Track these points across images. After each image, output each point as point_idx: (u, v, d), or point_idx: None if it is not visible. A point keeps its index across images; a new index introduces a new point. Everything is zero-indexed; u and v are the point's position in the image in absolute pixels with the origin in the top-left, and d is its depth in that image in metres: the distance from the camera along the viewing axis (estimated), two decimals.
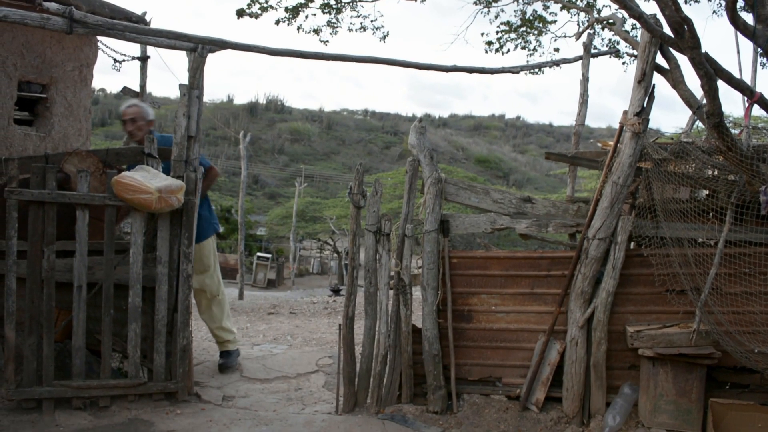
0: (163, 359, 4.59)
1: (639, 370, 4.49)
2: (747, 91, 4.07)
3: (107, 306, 4.42)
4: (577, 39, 7.42)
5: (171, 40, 4.66)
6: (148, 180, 4.34)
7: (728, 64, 3.92)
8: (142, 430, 4.14)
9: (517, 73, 6.77)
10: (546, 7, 9.48)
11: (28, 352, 4.23)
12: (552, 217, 4.80)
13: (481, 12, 9.68)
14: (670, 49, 4.20)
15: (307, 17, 9.59)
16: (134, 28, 4.60)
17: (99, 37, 6.14)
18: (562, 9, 9.35)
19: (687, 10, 3.91)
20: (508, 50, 9.93)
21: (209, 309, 5.59)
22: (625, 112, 4.43)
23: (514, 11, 9.70)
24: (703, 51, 3.50)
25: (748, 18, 3.85)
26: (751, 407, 4.09)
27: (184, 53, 4.78)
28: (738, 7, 3.67)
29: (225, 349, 5.71)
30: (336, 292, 20.19)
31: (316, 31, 9.75)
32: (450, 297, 4.76)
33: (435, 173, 4.76)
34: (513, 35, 9.79)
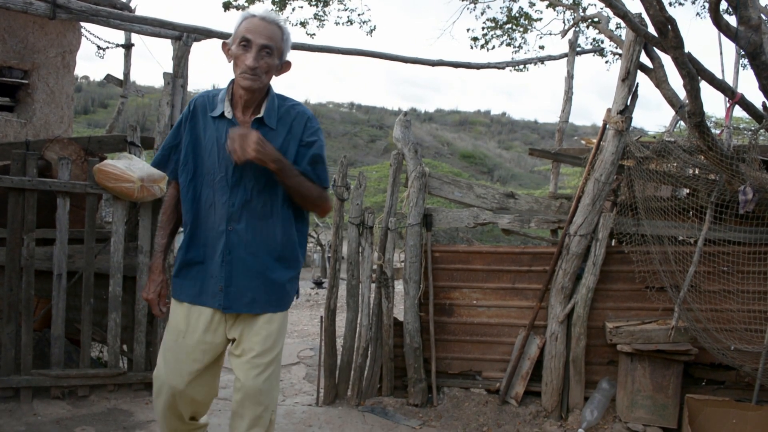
0: (143, 349, 4.56)
1: (617, 365, 4.54)
2: (728, 91, 4.12)
3: (87, 295, 4.38)
4: (563, 36, 7.46)
5: (156, 27, 4.63)
6: (130, 168, 4.31)
7: (711, 64, 3.96)
8: (121, 419, 4.11)
9: (503, 69, 6.79)
10: (532, 5, 9.53)
11: (6, 341, 4.19)
12: (534, 213, 4.83)
13: (468, 8, 9.70)
14: (654, 48, 4.24)
15: (294, 10, 9.57)
16: (118, 14, 4.57)
17: (83, 24, 6.08)
18: (548, 6, 9.40)
19: (671, 10, 3.94)
20: (494, 47, 9.98)
21: None
22: (609, 110, 4.47)
23: (500, 8, 9.73)
24: (686, 51, 3.54)
25: (731, 20, 3.89)
26: (726, 403, 4.15)
27: (168, 41, 4.75)
28: (721, 9, 3.71)
29: None
30: (318, 284, 20.18)
31: (303, 24, 9.73)
32: (432, 291, 4.78)
33: (419, 167, 4.77)
34: (498, 32, 9.83)
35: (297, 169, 2.56)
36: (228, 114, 2.55)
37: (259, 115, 2.54)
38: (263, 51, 2.47)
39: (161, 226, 2.78)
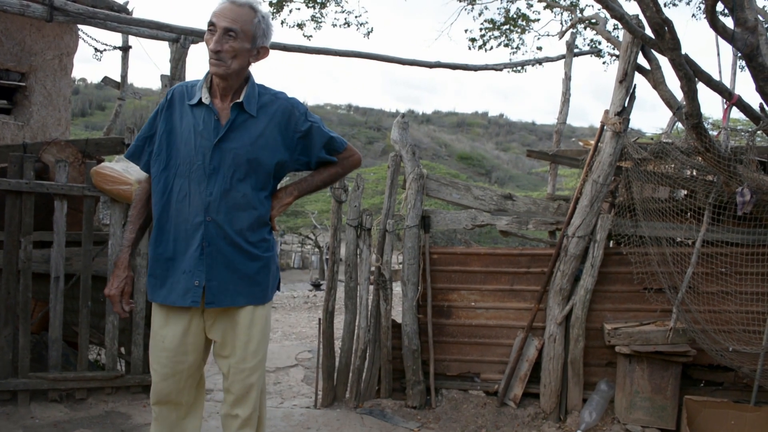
0: (141, 352, 4.55)
1: (616, 367, 4.54)
2: (726, 93, 4.12)
3: (85, 298, 4.37)
4: (561, 38, 7.47)
5: (153, 30, 4.63)
6: (127, 171, 4.30)
7: (708, 66, 3.97)
8: (119, 422, 4.10)
9: (500, 70, 6.79)
10: (529, 6, 9.54)
11: (3, 344, 4.18)
12: (532, 215, 4.83)
13: (465, 9, 9.71)
14: (651, 50, 4.24)
15: (291, 11, 9.57)
16: (116, 17, 4.56)
17: (80, 26, 6.07)
18: (545, 8, 9.41)
19: (667, 12, 3.95)
20: (491, 48, 9.99)
21: None
22: (606, 112, 4.47)
23: (498, 9, 9.74)
24: (683, 53, 3.54)
25: (728, 21, 3.89)
26: (724, 405, 4.15)
27: (166, 44, 4.75)
28: (717, 10, 3.71)
29: None
30: (317, 286, 20.15)
31: (300, 26, 9.74)
32: (430, 293, 4.77)
33: (417, 169, 4.77)
34: (496, 33, 9.84)
35: (309, 176, 2.65)
36: (206, 100, 2.44)
37: (238, 100, 2.44)
38: (227, 34, 2.38)
39: (131, 221, 2.64)
